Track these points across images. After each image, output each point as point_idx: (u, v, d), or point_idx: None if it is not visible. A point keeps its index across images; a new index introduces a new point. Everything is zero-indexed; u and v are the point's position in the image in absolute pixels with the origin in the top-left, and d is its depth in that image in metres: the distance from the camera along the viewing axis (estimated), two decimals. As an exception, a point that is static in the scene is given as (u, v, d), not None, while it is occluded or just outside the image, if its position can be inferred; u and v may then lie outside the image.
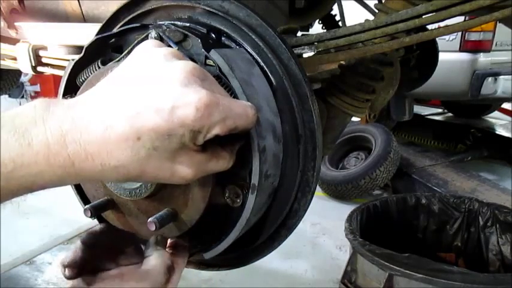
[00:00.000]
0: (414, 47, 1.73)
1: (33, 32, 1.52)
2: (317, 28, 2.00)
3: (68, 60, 0.81)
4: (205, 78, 0.53)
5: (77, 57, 0.76)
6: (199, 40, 0.65)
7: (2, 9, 1.53)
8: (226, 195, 0.66)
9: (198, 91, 0.49)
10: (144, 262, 0.64)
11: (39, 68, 1.61)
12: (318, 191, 4.46)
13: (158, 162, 0.50)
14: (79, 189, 0.80)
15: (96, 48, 0.74)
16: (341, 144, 4.77)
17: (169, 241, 0.70)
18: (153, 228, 0.64)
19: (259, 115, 0.63)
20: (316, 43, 1.02)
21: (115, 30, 0.77)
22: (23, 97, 9.16)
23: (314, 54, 1.15)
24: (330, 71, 1.39)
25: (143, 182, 0.65)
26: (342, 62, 1.30)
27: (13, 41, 1.65)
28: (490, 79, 4.64)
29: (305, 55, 1.32)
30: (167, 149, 0.49)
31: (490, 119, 7.18)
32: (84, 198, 0.79)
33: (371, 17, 1.16)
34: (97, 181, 0.70)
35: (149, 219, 0.65)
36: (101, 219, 0.78)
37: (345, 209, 2.65)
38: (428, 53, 1.82)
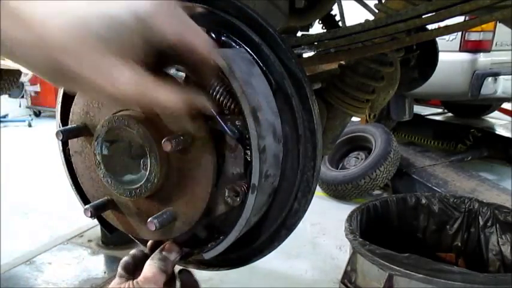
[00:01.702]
0: (414, 47, 1.73)
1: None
2: (317, 28, 2.00)
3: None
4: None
5: (77, 57, 0.76)
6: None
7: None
8: (226, 195, 0.66)
9: None
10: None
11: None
12: (318, 191, 4.46)
13: (99, 62, 0.47)
14: (79, 189, 0.80)
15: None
16: (341, 144, 4.77)
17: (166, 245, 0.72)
18: (153, 228, 0.64)
19: (259, 115, 0.63)
20: (316, 43, 1.02)
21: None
22: (23, 97, 9.16)
23: (314, 54, 1.15)
24: (330, 71, 1.39)
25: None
26: (342, 62, 1.30)
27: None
28: (490, 79, 4.64)
29: (305, 55, 1.32)
30: (113, 49, 0.47)
31: (490, 119, 7.18)
32: (84, 198, 0.79)
33: (371, 17, 1.15)
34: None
35: (149, 219, 0.65)
36: (101, 219, 0.78)
37: (345, 209, 2.65)
38: (428, 53, 1.82)
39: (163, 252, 0.70)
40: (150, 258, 0.69)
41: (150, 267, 0.68)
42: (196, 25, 0.55)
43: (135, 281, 0.65)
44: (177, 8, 0.52)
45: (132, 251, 0.75)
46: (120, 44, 0.47)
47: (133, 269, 0.71)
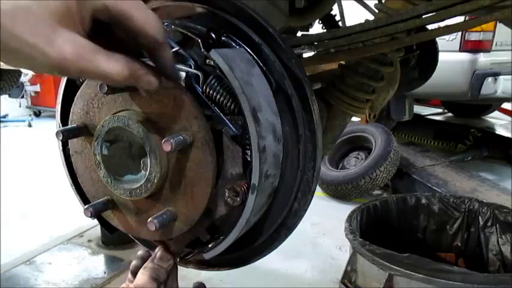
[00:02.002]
0: (414, 47, 1.73)
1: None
2: (317, 28, 2.00)
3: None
4: None
5: (77, 57, 0.76)
6: (199, 40, 0.65)
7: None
8: (226, 195, 0.66)
9: None
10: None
11: (39, 68, 1.61)
12: (318, 191, 4.46)
13: (33, 22, 0.45)
14: (79, 189, 0.80)
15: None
16: (341, 144, 4.76)
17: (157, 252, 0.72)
18: (153, 228, 0.64)
19: (259, 115, 0.63)
20: (316, 43, 1.02)
21: (115, 30, 0.77)
22: (22, 97, 9.16)
23: (314, 54, 1.15)
24: (330, 71, 1.39)
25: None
26: (342, 62, 1.30)
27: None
28: (490, 79, 4.64)
29: (305, 55, 1.32)
30: (47, 9, 0.46)
31: (490, 119, 7.18)
32: (84, 198, 0.79)
33: (371, 17, 1.15)
34: None
35: (149, 219, 0.65)
36: (101, 219, 0.78)
37: (345, 209, 2.65)
38: (428, 53, 1.82)
39: (155, 261, 0.71)
40: (143, 267, 0.70)
41: (141, 276, 0.69)
42: (144, 4, 0.54)
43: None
44: None
45: (139, 253, 0.76)
46: (57, 12, 0.46)
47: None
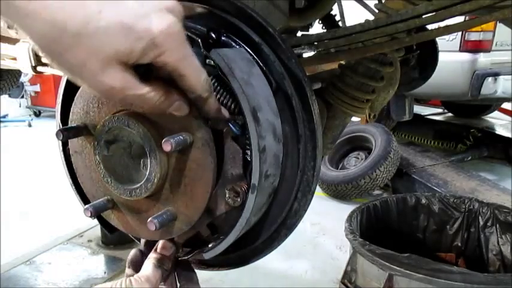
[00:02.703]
0: (414, 47, 1.73)
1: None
2: (317, 28, 2.00)
3: (68, 60, 0.81)
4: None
5: (77, 57, 0.76)
6: (200, 40, 0.65)
7: (2, 9, 1.52)
8: (227, 195, 0.66)
9: (170, 18, 0.53)
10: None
11: (39, 68, 1.61)
12: (318, 191, 4.46)
13: (96, 51, 0.50)
14: (79, 189, 0.80)
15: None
16: (341, 144, 4.76)
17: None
18: (153, 228, 0.64)
19: (259, 115, 0.63)
20: (316, 43, 1.02)
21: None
22: (22, 97, 9.16)
23: (314, 54, 1.15)
24: (330, 71, 1.39)
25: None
26: (342, 62, 1.30)
27: (13, 41, 1.65)
28: (490, 79, 4.64)
29: (305, 55, 1.32)
30: (111, 46, 0.50)
31: (490, 119, 7.18)
32: (84, 198, 0.79)
33: (371, 17, 1.15)
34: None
35: (149, 219, 0.65)
36: (101, 219, 0.78)
37: (345, 209, 2.65)
38: (428, 53, 1.82)
39: (158, 250, 0.72)
40: (147, 258, 0.71)
41: (146, 266, 0.70)
42: (197, 62, 0.58)
43: (128, 278, 0.66)
44: (186, 40, 0.56)
45: (138, 248, 0.77)
46: (123, 47, 0.51)
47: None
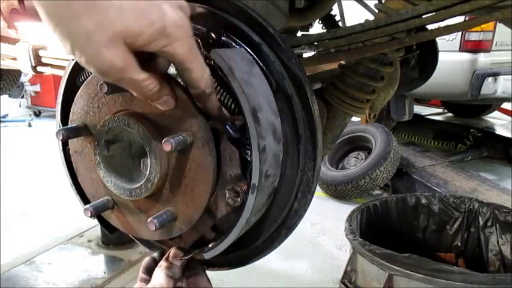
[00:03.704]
0: (414, 47, 1.73)
1: (33, 32, 1.52)
2: (317, 28, 2.00)
3: (68, 60, 0.81)
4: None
5: (77, 57, 0.76)
6: (199, 40, 0.65)
7: (2, 9, 1.53)
8: (227, 195, 0.66)
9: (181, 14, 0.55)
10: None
11: (39, 68, 1.61)
12: (318, 191, 4.46)
13: (107, 25, 0.50)
14: (79, 189, 0.80)
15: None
16: (341, 144, 4.76)
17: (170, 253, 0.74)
18: (153, 228, 0.64)
19: (259, 115, 0.63)
20: (316, 43, 1.02)
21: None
22: (22, 97, 9.16)
23: (314, 54, 1.15)
24: (330, 71, 1.39)
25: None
26: (342, 62, 1.30)
27: (13, 41, 1.65)
28: (490, 79, 4.64)
29: (305, 55, 1.32)
30: (124, 24, 0.50)
31: (490, 119, 7.18)
32: (84, 198, 0.79)
33: (371, 17, 1.15)
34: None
35: (149, 219, 0.65)
36: (101, 219, 0.78)
37: (345, 209, 2.65)
38: (428, 53, 1.82)
39: (170, 259, 0.72)
40: (158, 266, 0.72)
41: (157, 276, 0.71)
42: (202, 58, 0.60)
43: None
44: (193, 35, 0.57)
45: (152, 255, 0.79)
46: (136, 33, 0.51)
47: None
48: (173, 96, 0.62)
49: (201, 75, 0.59)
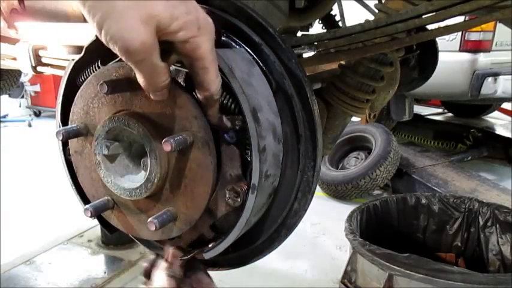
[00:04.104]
0: (414, 47, 1.73)
1: (33, 32, 1.52)
2: (317, 28, 2.00)
3: (68, 60, 0.81)
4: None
5: (77, 57, 0.76)
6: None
7: (2, 9, 1.53)
8: (227, 196, 0.66)
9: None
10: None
11: (39, 68, 1.61)
12: (318, 191, 4.46)
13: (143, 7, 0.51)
14: (79, 189, 0.80)
15: (96, 48, 0.74)
16: (341, 144, 4.76)
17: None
18: (153, 228, 0.64)
19: (259, 115, 0.63)
20: (316, 43, 1.02)
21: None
22: (22, 97, 9.16)
23: (314, 54, 1.15)
24: (330, 71, 1.39)
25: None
26: (342, 62, 1.30)
27: (13, 41, 1.65)
28: (490, 79, 4.64)
29: (305, 55, 1.32)
30: (160, 7, 0.52)
31: (490, 119, 7.18)
32: (84, 198, 0.79)
33: (371, 17, 1.15)
34: None
35: (149, 219, 0.65)
36: (101, 219, 0.78)
37: (345, 209, 2.65)
38: (428, 53, 1.82)
39: (169, 259, 0.72)
40: (158, 268, 0.72)
41: (158, 277, 0.71)
42: (217, 65, 0.60)
43: None
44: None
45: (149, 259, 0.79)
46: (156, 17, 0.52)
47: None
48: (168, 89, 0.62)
49: (214, 77, 0.59)
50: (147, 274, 0.75)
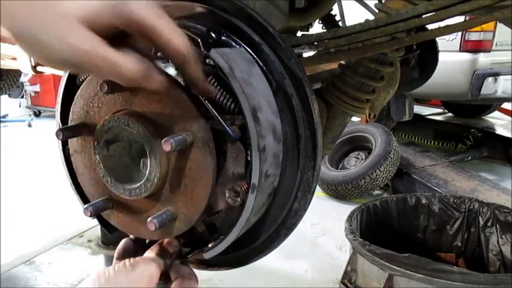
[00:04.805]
0: (414, 47, 1.73)
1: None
2: (317, 28, 2.00)
3: (68, 60, 0.81)
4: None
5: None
6: (199, 39, 0.65)
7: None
8: (227, 195, 0.66)
9: None
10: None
11: (39, 68, 1.61)
12: (318, 191, 4.46)
13: (58, 14, 0.48)
14: (79, 189, 0.80)
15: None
16: (341, 144, 4.77)
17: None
18: (152, 228, 0.64)
19: (259, 115, 0.63)
20: (316, 43, 1.02)
21: (115, 30, 0.77)
22: (22, 97, 9.16)
23: (314, 54, 1.15)
24: (329, 70, 1.39)
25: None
26: (342, 62, 1.30)
27: (13, 41, 1.65)
28: (490, 79, 4.64)
29: (305, 55, 1.32)
30: (78, 6, 0.49)
31: (490, 119, 7.18)
32: (84, 198, 0.79)
33: (371, 17, 1.15)
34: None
35: (149, 219, 0.65)
36: (100, 219, 0.78)
37: (345, 209, 2.65)
38: (428, 53, 1.82)
39: (163, 244, 0.71)
40: (150, 248, 0.71)
41: (148, 253, 0.69)
42: (176, 26, 0.56)
43: (132, 259, 0.66)
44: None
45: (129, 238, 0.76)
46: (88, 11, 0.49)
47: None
48: (162, 72, 0.58)
49: (180, 39, 0.55)
50: (126, 253, 0.73)
